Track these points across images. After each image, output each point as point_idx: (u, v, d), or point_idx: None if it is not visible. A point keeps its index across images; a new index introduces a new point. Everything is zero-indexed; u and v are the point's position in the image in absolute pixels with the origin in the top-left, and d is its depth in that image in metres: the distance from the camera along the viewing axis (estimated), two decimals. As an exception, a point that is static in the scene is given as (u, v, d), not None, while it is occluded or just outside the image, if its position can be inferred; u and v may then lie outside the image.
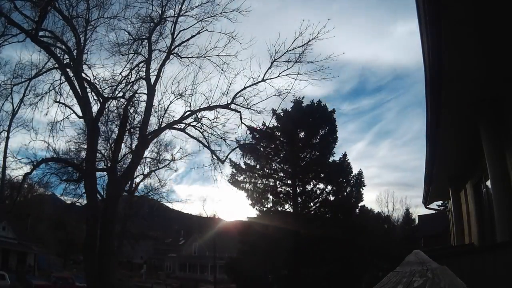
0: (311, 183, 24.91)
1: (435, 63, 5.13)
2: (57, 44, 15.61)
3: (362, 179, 24.96)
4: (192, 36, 16.49)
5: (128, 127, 17.36)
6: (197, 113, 16.85)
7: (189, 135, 17.51)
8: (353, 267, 21.76)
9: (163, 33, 16.74)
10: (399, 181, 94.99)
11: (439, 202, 22.41)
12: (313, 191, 24.71)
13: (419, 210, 51.12)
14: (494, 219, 6.35)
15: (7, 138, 16.25)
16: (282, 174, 25.28)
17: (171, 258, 61.48)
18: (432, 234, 25.50)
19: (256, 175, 25.12)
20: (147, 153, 21.57)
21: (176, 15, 16.23)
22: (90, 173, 15.78)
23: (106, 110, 16.77)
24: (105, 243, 15.01)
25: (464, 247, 9.96)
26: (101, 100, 16.07)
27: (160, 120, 17.23)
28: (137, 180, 30.29)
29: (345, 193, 24.62)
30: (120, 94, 16.53)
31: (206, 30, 16.09)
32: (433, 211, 20.61)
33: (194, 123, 17.02)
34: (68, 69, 15.42)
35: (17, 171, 20.39)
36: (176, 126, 17.26)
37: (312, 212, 24.90)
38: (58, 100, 15.88)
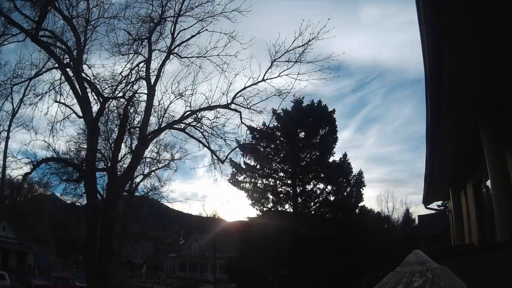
0: (311, 183, 24.92)
1: (435, 63, 5.14)
2: (57, 44, 15.61)
3: (362, 179, 24.98)
4: (192, 36, 16.49)
5: (128, 127, 17.36)
6: (197, 113, 16.85)
7: (189, 135, 17.53)
8: (353, 267, 21.76)
9: (163, 33, 16.75)
10: (390, 177, 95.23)
11: (439, 202, 22.43)
12: (313, 191, 24.72)
13: (419, 210, 51.17)
14: (494, 219, 6.35)
15: (7, 138, 16.27)
16: (282, 174, 25.28)
17: (171, 258, 61.48)
18: (432, 234, 25.52)
19: (256, 175, 25.12)
20: (147, 153, 21.55)
21: (176, 15, 16.22)
22: (90, 173, 15.78)
23: (106, 110, 16.77)
24: (105, 243, 15.01)
25: (464, 247, 9.96)
26: (101, 100, 16.07)
27: (160, 120, 17.24)
28: (137, 180, 30.26)
29: (345, 193, 24.63)
30: (120, 94, 16.55)
31: (206, 30, 16.08)
32: (433, 211, 20.62)
33: (194, 123, 17.03)
34: (68, 69, 15.42)
35: (17, 171, 20.42)
36: (176, 126, 17.26)
37: (312, 212, 24.91)
38: (58, 100, 15.88)
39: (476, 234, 9.65)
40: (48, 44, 15.21)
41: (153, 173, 27.80)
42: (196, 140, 17.19)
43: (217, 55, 16.25)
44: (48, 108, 15.65)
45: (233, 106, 16.31)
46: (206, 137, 16.79)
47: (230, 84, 16.35)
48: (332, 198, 24.50)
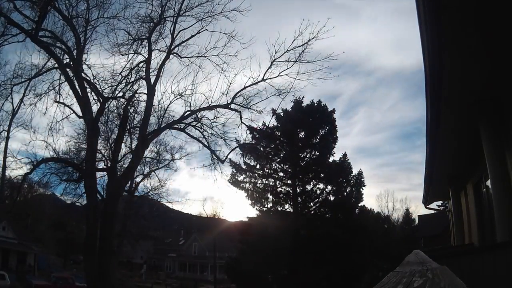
0: (311, 183, 24.93)
1: (435, 63, 5.13)
2: (57, 44, 15.60)
3: (362, 179, 25.01)
4: (192, 36, 16.48)
5: (128, 127, 17.35)
6: (197, 113, 16.86)
7: (189, 135, 17.53)
8: (353, 267, 21.76)
9: (163, 33, 16.73)
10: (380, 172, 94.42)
11: (439, 202, 22.43)
12: (313, 191, 24.73)
13: (419, 210, 51.18)
14: (494, 219, 6.35)
15: (7, 138, 16.29)
16: (282, 174, 25.29)
17: (171, 258, 61.48)
18: (432, 234, 25.52)
19: (256, 175, 25.13)
20: (147, 153, 21.55)
21: (176, 15, 16.21)
22: (90, 173, 15.77)
23: (106, 110, 16.77)
24: (105, 243, 15.01)
25: (464, 247, 9.95)
26: (101, 100, 16.06)
27: (160, 120, 17.24)
28: (137, 180, 30.27)
29: (345, 193, 24.64)
30: (120, 94, 16.53)
31: (206, 29, 16.08)
32: (433, 211, 20.61)
33: (194, 123, 17.03)
34: (68, 69, 15.41)
35: (17, 171, 20.36)
36: (176, 126, 17.27)
37: (312, 212, 24.92)
38: (58, 100, 15.88)
39: (476, 234, 9.65)
40: (48, 44, 15.20)
41: (153, 173, 27.83)
42: (196, 140, 17.21)
43: (217, 55, 16.27)
44: (47, 108, 15.68)
45: (233, 106, 16.32)
46: (206, 137, 16.81)
47: (230, 84, 16.37)
48: (332, 198, 24.52)
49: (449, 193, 12.51)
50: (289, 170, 24.90)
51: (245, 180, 25.04)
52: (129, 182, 25.37)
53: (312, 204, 24.80)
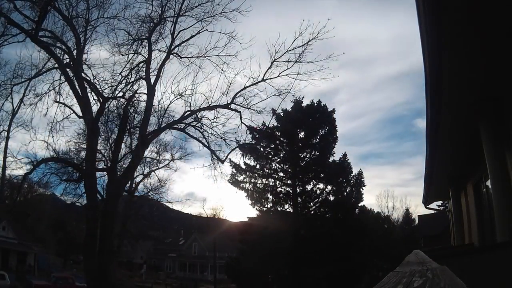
0: (311, 183, 24.95)
1: (435, 63, 5.13)
2: (57, 44, 15.59)
3: (362, 179, 25.03)
4: (192, 36, 16.47)
5: (128, 127, 17.34)
6: (197, 113, 16.85)
7: (189, 135, 17.53)
8: (353, 267, 21.77)
9: (163, 33, 16.73)
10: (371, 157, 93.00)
11: (439, 202, 22.44)
12: (313, 191, 24.74)
13: (419, 210, 51.18)
14: (494, 219, 6.35)
15: (7, 138, 16.26)
16: (282, 174, 25.30)
17: (171, 258, 61.48)
18: (432, 234, 25.48)
19: (256, 175, 25.14)
20: (147, 153, 21.55)
21: (176, 15, 16.20)
22: (90, 173, 15.77)
23: (106, 110, 16.76)
24: (105, 243, 15.01)
25: (464, 247, 9.96)
26: (101, 100, 16.06)
27: (160, 120, 17.24)
28: (137, 180, 30.27)
29: (345, 193, 24.65)
30: (120, 94, 16.52)
31: (206, 30, 16.07)
32: (433, 211, 20.61)
33: (194, 123, 17.03)
34: (68, 69, 15.40)
35: (17, 171, 20.36)
36: (176, 126, 17.27)
37: (312, 212, 24.93)
38: (58, 100, 15.87)
39: (476, 234, 9.65)
40: (48, 44, 15.20)
41: (153, 173, 27.83)
42: (196, 140, 17.20)
43: (217, 55, 16.26)
44: (48, 108, 15.64)
45: (233, 106, 16.32)
46: (206, 137, 16.80)
47: (230, 84, 16.36)
48: (332, 198, 24.54)
49: (449, 193, 12.51)
50: (289, 170, 24.91)
51: (245, 180, 25.06)
52: (129, 182, 25.38)
53: (312, 204, 24.82)
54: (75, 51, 15.76)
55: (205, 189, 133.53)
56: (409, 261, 2.40)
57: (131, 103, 16.62)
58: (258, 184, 25.09)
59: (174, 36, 16.55)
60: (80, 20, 15.66)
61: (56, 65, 15.63)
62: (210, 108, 16.42)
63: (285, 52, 15.33)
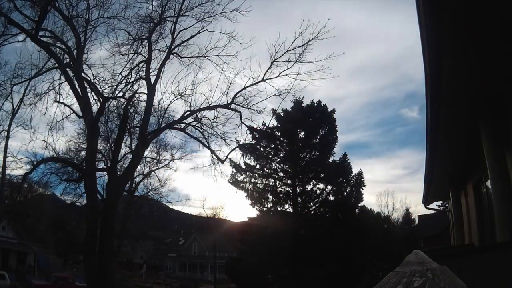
0: (311, 183, 24.95)
1: (435, 63, 5.13)
2: (57, 44, 15.60)
3: (362, 179, 25.03)
4: (192, 36, 16.48)
5: (128, 127, 17.36)
6: (197, 113, 16.86)
7: (189, 135, 17.54)
8: (353, 267, 21.78)
9: (163, 33, 16.74)
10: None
11: (439, 202, 22.43)
12: (313, 191, 24.74)
13: (419, 210, 51.14)
14: (494, 219, 6.35)
15: (7, 137, 16.25)
16: (282, 174, 25.30)
17: (171, 258, 61.48)
18: (432, 234, 25.47)
19: (256, 175, 25.14)
20: (147, 153, 21.56)
21: (176, 15, 16.21)
22: (90, 173, 15.78)
23: (106, 110, 16.77)
24: (105, 243, 15.01)
25: (464, 247, 9.96)
26: (101, 100, 16.06)
27: (160, 120, 17.26)
28: (137, 180, 30.27)
29: (345, 193, 24.66)
30: (120, 94, 16.52)
31: (206, 30, 16.08)
32: (433, 211, 20.61)
33: (194, 123, 17.04)
34: (68, 69, 15.41)
35: (17, 171, 20.35)
36: (176, 126, 17.28)
37: (312, 212, 24.93)
38: (58, 99, 15.87)
39: (476, 234, 9.65)
40: (48, 44, 15.20)
41: (153, 173, 27.83)
42: (196, 140, 17.22)
43: (217, 55, 16.26)
44: (48, 108, 15.65)
45: (233, 106, 16.33)
46: (206, 137, 16.81)
47: (230, 84, 16.37)
48: (332, 198, 24.55)
49: (449, 193, 12.51)
50: (289, 170, 24.91)
51: (245, 180, 25.05)
52: (129, 182, 25.38)
53: (312, 204, 24.82)
54: (75, 51, 15.77)
55: (205, 189, 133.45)
56: (409, 261, 2.40)
57: (131, 103, 16.63)
58: (258, 184, 25.10)
59: (174, 36, 16.58)
60: (80, 20, 15.69)
61: (56, 65, 15.64)
62: (210, 108, 16.42)
63: (285, 52, 15.35)
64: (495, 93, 6.06)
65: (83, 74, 15.76)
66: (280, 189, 25.03)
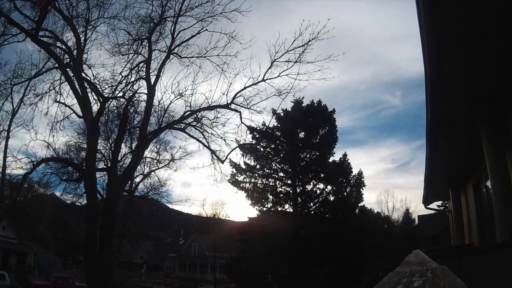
0: (311, 183, 24.95)
1: (435, 63, 5.14)
2: (57, 44, 15.61)
3: (362, 179, 25.02)
4: (192, 36, 16.46)
5: (128, 127, 17.34)
6: (197, 113, 16.84)
7: (189, 135, 17.52)
8: (353, 267, 21.77)
9: (163, 33, 16.72)
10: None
11: (439, 202, 22.44)
12: (313, 191, 24.74)
13: (419, 210, 51.20)
14: (494, 219, 6.35)
15: (7, 137, 16.25)
16: (282, 174, 25.30)
17: (171, 258, 61.49)
18: (432, 234, 25.48)
19: (256, 175, 25.14)
20: (147, 153, 21.53)
21: (176, 15, 16.20)
22: (90, 173, 15.78)
23: (106, 110, 16.75)
24: (105, 243, 15.01)
25: (464, 247, 9.96)
26: (101, 100, 16.06)
27: (160, 120, 17.23)
28: (137, 180, 30.26)
29: (345, 193, 24.65)
30: (120, 94, 16.52)
31: (206, 30, 16.06)
32: (433, 211, 20.61)
33: (194, 123, 17.02)
34: (68, 69, 15.41)
35: (17, 171, 20.34)
36: (176, 126, 17.26)
37: (312, 212, 24.93)
38: (58, 99, 15.87)
39: (476, 234, 9.65)
40: (48, 44, 15.20)
41: (153, 173, 27.81)
42: (196, 140, 17.20)
43: (217, 55, 16.24)
44: (48, 108, 15.64)
45: (233, 106, 16.31)
46: (206, 137, 16.79)
47: (230, 84, 16.34)
48: (332, 198, 24.53)
49: (449, 193, 12.51)
50: (289, 170, 24.91)
51: (245, 180, 25.05)
52: (129, 182, 25.37)
53: (312, 204, 24.82)
54: (75, 51, 15.78)
55: (205, 189, 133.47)
56: (409, 261, 2.40)
57: (131, 103, 16.62)
58: (258, 184, 25.09)
59: (174, 36, 16.56)
60: (80, 20, 15.69)
61: (56, 65, 15.64)
62: (210, 108, 16.41)
63: (285, 52, 15.34)
64: (495, 93, 6.07)
65: (83, 74, 15.76)
66: (280, 189, 25.04)
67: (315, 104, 25.41)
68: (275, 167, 25.36)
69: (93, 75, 16.12)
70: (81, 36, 15.72)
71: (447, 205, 19.76)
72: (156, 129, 17.30)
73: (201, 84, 34.62)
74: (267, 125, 22.60)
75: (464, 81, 5.81)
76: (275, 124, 24.68)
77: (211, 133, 16.70)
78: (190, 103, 16.66)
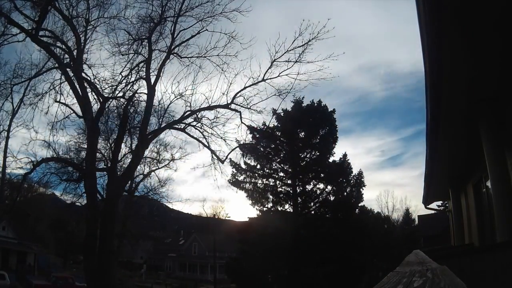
0: (311, 183, 24.95)
1: (435, 63, 5.13)
2: (57, 44, 15.60)
3: (362, 179, 25.02)
4: (192, 36, 16.47)
5: (128, 127, 17.34)
6: (197, 113, 16.84)
7: (189, 135, 17.52)
8: (353, 267, 21.77)
9: (163, 33, 16.72)
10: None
11: (439, 202, 22.43)
12: (313, 191, 24.74)
13: (419, 210, 51.15)
14: (494, 219, 6.35)
15: (7, 137, 16.23)
16: (282, 174, 25.30)
17: (171, 258, 61.51)
18: (432, 234, 25.47)
19: (256, 175, 25.14)
20: (147, 153, 21.54)
21: (176, 15, 16.19)
22: (90, 173, 15.78)
23: (106, 110, 16.75)
24: (105, 243, 15.01)
25: (464, 247, 9.95)
26: (101, 100, 16.06)
27: (160, 120, 17.24)
28: (137, 180, 30.26)
29: (345, 193, 24.65)
30: (120, 94, 16.52)
31: (206, 30, 16.06)
32: (433, 211, 20.61)
33: (194, 123, 17.02)
34: (68, 69, 15.41)
35: (17, 170, 20.34)
36: (176, 126, 17.26)
37: (312, 212, 24.94)
38: (58, 99, 15.87)
39: (476, 234, 9.65)
40: (48, 44, 15.20)
41: (153, 173, 27.81)
42: (196, 140, 17.20)
43: (217, 55, 16.24)
44: (48, 108, 15.64)
45: (233, 106, 16.31)
46: (206, 137, 16.79)
47: (230, 84, 16.33)
48: (332, 198, 24.54)
49: (449, 193, 12.51)
50: (289, 170, 24.91)
51: (245, 180, 25.05)
52: (129, 182, 25.37)
53: (312, 204, 24.82)
54: (75, 51, 15.78)
55: (205, 189, 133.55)
56: (409, 261, 2.40)
57: (131, 103, 16.62)
58: (258, 184, 25.10)
59: (174, 36, 16.56)
60: (80, 20, 15.70)
61: (56, 65, 15.64)
62: (210, 108, 16.41)
63: (285, 52, 15.32)
64: (495, 93, 6.06)
65: (83, 74, 15.76)
66: (280, 189, 25.04)
67: (315, 104, 25.41)
68: (275, 167, 25.36)
69: (93, 75, 16.14)
70: (81, 36, 15.73)
71: (447, 205, 19.76)
72: (156, 129, 17.31)
73: (201, 84, 34.64)
74: (267, 125, 22.59)
75: (464, 81, 5.81)
76: (275, 124, 24.69)
77: (211, 133, 16.71)
78: (190, 103, 16.67)
